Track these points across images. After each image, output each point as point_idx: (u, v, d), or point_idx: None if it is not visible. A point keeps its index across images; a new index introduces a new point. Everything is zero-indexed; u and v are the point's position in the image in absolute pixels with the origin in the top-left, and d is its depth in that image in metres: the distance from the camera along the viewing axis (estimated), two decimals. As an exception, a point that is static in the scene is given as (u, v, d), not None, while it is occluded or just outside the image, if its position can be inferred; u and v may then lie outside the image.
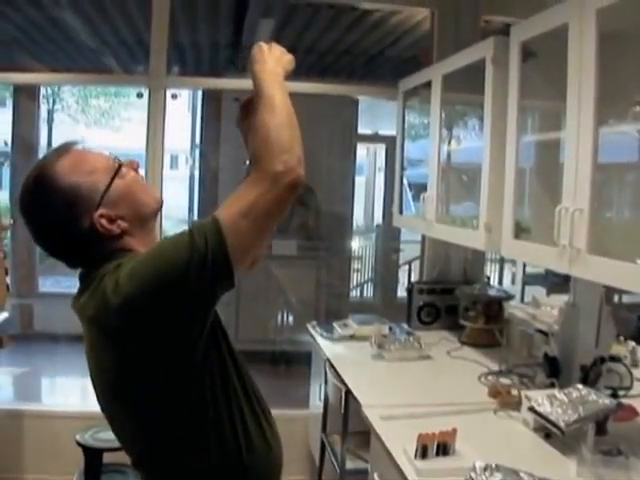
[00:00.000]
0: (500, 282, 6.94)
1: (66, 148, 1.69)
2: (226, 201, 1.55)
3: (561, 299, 3.36)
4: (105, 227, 1.64)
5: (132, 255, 1.62)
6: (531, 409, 2.46)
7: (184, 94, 9.54)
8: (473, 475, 1.97)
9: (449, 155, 3.71)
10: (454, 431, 2.20)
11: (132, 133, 12.60)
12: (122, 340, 1.56)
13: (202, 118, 7.28)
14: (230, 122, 6.04)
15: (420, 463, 2.14)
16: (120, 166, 1.69)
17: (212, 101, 6.89)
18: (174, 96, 4.95)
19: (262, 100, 1.60)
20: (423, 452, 2.16)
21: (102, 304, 1.55)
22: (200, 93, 7.41)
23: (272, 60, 1.67)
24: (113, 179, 1.67)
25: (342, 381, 3.09)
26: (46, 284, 8.87)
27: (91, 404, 1.78)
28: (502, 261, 7.39)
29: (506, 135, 2.72)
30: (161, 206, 1.80)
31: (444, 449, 2.17)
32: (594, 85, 2.09)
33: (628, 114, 2.15)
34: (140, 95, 5.25)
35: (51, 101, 14.55)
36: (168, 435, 1.64)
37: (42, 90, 9.27)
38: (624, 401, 2.53)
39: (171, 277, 1.49)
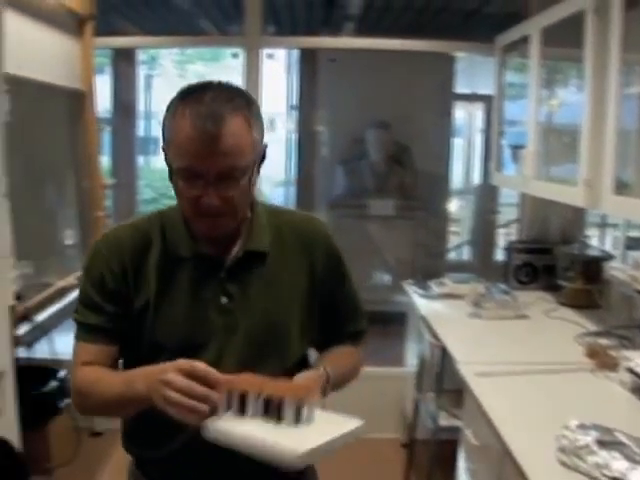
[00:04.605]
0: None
1: None
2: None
3: (666, 262, 3.26)
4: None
5: None
6: (629, 370, 2.41)
7: (281, 57, 9.59)
8: (568, 433, 1.94)
9: (550, 116, 3.61)
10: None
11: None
12: None
13: (299, 80, 7.28)
14: (326, 83, 6.01)
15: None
16: None
17: (308, 62, 6.89)
18: (270, 56, 4.96)
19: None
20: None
21: None
22: (296, 54, 7.41)
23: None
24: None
25: (437, 338, 3.08)
26: None
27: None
28: (604, 225, 7.19)
29: (607, 90, 2.62)
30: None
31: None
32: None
33: None
34: (236, 55, 5.27)
35: (148, 67, 14.81)
36: None
37: (140, 56, 9.40)
38: None
39: None
